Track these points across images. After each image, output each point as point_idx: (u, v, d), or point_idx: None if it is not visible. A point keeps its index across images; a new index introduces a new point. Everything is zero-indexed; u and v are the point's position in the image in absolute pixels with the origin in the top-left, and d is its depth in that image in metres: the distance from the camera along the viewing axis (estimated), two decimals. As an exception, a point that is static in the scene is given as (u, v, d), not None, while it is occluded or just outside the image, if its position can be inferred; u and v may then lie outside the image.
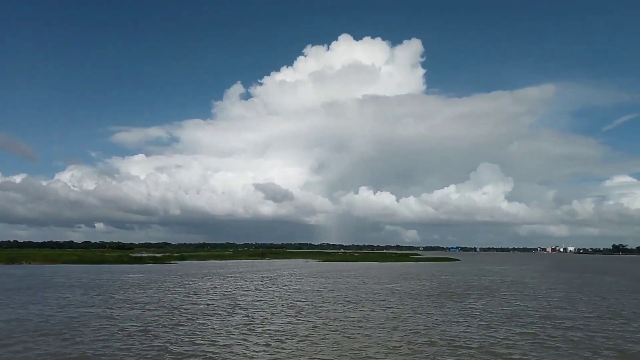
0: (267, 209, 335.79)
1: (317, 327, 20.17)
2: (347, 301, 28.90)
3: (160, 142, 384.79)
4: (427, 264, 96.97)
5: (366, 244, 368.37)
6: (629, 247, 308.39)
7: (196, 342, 17.17)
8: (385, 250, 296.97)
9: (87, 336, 18.02)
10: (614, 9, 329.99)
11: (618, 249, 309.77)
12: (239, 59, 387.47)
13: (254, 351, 16.03)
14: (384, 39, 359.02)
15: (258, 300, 28.95)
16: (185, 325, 20.27)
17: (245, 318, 22.36)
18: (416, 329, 19.76)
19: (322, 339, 17.77)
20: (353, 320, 21.71)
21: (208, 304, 26.96)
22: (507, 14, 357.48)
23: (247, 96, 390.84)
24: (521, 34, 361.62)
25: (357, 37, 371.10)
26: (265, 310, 24.98)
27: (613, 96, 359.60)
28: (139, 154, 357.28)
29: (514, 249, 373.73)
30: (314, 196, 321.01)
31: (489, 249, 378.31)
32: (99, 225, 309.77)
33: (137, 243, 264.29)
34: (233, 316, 22.88)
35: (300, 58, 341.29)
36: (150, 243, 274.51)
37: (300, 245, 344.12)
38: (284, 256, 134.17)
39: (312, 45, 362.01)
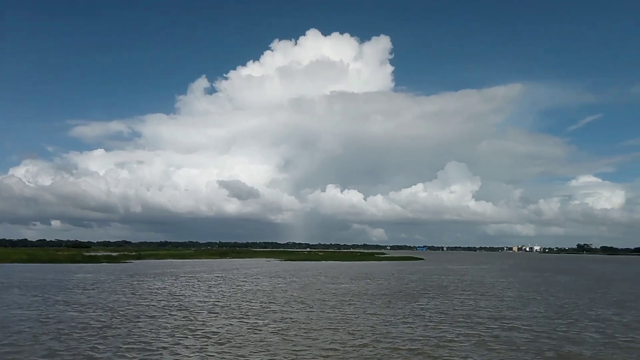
0: (232, 206, 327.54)
1: (257, 328, 19.28)
2: (297, 302, 28.09)
3: (121, 137, 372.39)
4: (391, 263, 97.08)
5: (333, 243, 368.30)
6: (593, 247, 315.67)
7: (123, 346, 16.07)
8: (352, 249, 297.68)
9: (6, 340, 16.81)
10: (581, 11, 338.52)
11: (583, 249, 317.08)
12: (204, 51, 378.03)
13: (184, 355, 15.06)
14: (352, 35, 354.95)
15: (204, 301, 27.83)
16: (118, 328, 19.10)
17: (184, 320, 21.29)
18: (359, 331, 19.08)
19: (258, 341, 16.91)
20: (297, 322, 20.91)
21: (150, 305, 25.71)
22: (476, 13, 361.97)
23: (212, 90, 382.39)
24: (489, 33, 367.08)
25: (326, 32, 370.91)
26: (209, 311, 23.94)
27: (579, 96, 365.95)
28: (99, 149, 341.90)
29: (481, 248, 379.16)
30: (280, 194, 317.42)
31: (456, 248, 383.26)
32: (56, 223, 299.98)
33: (95, 241, 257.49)
34: (172, 318, 21.77)
35: (268, 52, 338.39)
36: (109, 242, 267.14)
37: (266, 244, 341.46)
38: (246, 255, 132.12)
39: (280, 40, 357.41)
